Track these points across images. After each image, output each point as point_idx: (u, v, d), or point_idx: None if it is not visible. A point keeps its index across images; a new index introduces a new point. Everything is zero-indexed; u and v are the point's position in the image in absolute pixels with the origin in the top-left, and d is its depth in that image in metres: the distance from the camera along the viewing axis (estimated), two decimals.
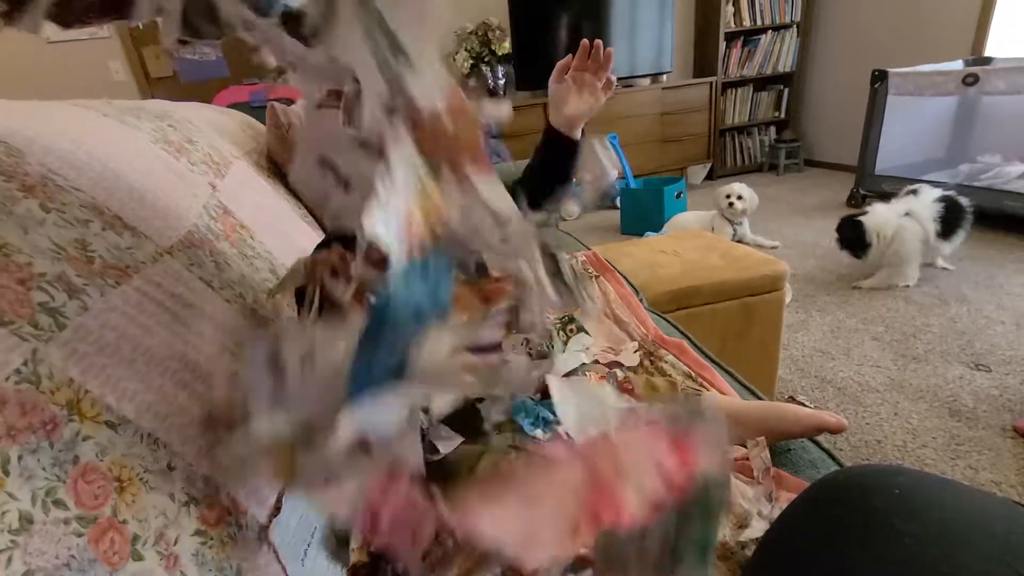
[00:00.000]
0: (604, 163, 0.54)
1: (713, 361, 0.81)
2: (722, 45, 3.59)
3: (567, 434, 0.45)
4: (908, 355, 1.61)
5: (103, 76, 2.98)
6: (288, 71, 0.39)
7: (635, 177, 3.26)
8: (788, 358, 1.65)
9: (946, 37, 2.99)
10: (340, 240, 0.58)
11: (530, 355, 0.55)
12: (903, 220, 1.94)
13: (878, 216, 1.97)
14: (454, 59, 3.23)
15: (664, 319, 0.97)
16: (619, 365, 0.76)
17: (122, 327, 0.39)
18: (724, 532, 0.47)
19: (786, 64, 3.79)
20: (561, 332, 0.86)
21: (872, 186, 2.87)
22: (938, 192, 2.00)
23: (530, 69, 3.27)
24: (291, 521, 0.46)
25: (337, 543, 0.44)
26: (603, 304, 0.94)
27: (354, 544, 0.43)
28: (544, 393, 0.54)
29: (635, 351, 0.80)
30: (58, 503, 0.29)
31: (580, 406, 0.44)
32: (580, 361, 0.75)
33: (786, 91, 3.88)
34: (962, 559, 0.31)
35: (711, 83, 3.60)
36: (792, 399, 0.64)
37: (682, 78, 3.77)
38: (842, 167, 3.63)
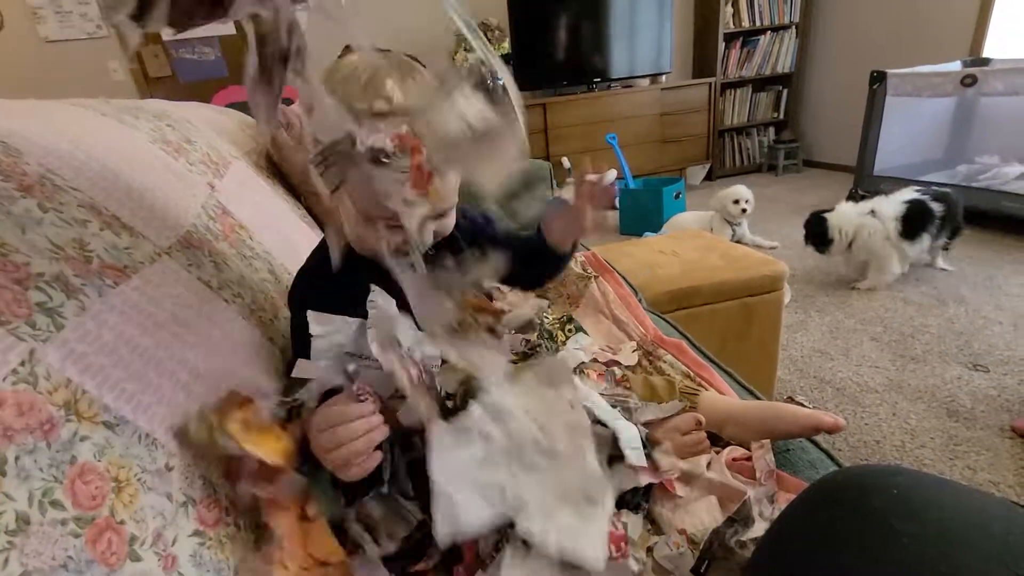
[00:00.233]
0: None
1: (712, 361, 0.80)
2: (721, 46, 3.60)
3: None
4: (906, 355, 1.61)
5: (102, 76, 2.98)
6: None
7: (634, 177, 3.26)
8: (787, 358, 1.65)
9: (945, 38, 3.00)
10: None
11: (527, 353, 0.55)
12: (864, 219, 1.99)
13: (842, 214, 2.03)
14: (453, 59, 3.23)
15: (663, 319, 0.97)
16: (617, 364, 0.76)
17: (120, 327, 0.39)
18: (725, 532, 0.47)
19: (785, 65, 3.80)
20: (560, 332, 0.86)
21: (871, 187, 2.87)
22: (910, 194, 2.02)
23: (529, 69, 3.28)
24: None
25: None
26: (602, 304, 0.94)
27: None
28: None
29: (633, 350, 0.80)
30: (55, 504, 0.28)
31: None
32: (578, 360, 0.75)
33: (785, 92, 3.89)
34: (960, 559, 0.31)
35: (710, 84, 3.60)
36: (791, 399, 0.64)
37: (681, 79, 3.77)
38: (841, 168, 3.64)
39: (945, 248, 2.11)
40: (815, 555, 0.36)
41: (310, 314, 0.49)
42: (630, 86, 3.52)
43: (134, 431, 0.35)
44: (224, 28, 3.07)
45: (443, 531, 0.39)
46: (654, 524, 0.49)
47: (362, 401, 0.43)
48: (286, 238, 0.85)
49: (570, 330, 0.87)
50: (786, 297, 1.38)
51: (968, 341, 1.64)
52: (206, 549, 0.36)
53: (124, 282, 0.42)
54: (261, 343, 0.56)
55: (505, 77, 0.46)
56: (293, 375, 0.48)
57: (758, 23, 3.62)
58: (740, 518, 0.47)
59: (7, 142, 0.44)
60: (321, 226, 1.14)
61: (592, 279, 0.97)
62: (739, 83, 3.80)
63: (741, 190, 2.50)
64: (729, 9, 3.54)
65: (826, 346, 1.71)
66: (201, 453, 0.39)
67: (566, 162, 3.33)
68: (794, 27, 3.69)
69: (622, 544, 0.44)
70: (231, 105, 1.31)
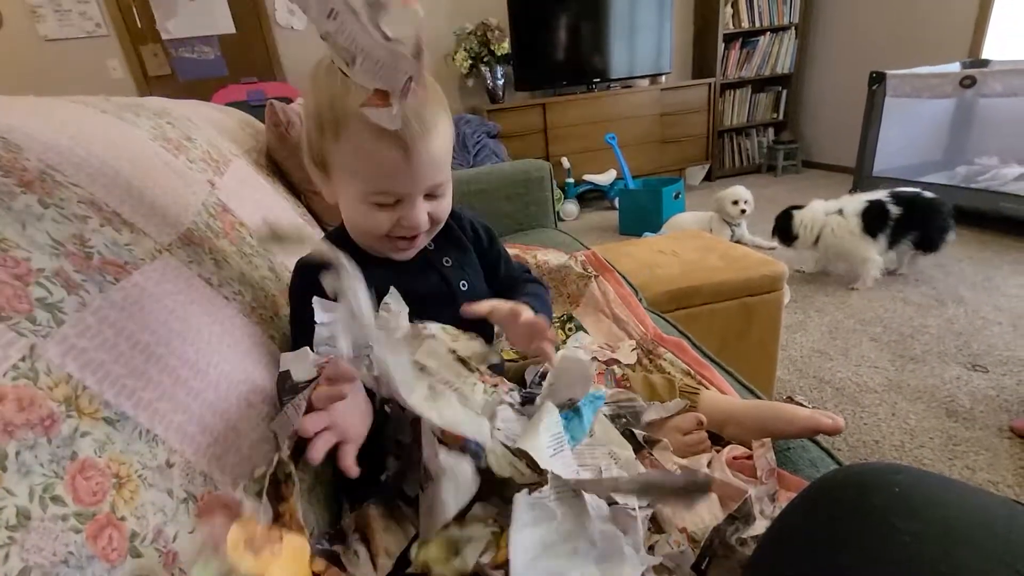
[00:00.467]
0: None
1: (712, 360, 0.81)
2: (721, 46, 3.60)
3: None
4: (906, 356, 1.61)
5: (101, 74, 2.98)
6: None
7: (634, 178, 3.26)
8: (786, 358, 1.65)
9: (944, 39, 3.00)
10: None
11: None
12: (829, 217, 2.06)
13: (809, 211, 2.11)
14: (453, 59, 3.23)
15: (663, 319, 0.97)
16: (616, 363, 0.76)
17: (120, 323, 0.39)
18: (725, 530, 0.47)
19: (784, 66, 3.80)
20: (560, 331, 0.86)
21: (870, 187, 2.86)
22: (875, 195, 2.05)
23: (529, 69, 3.28)
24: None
25: None
26: (602, 303, 0.94)
27: None
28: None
29: (632, 349, 0.80)
30: (56, 499, 0.28)
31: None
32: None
33: (784, 92, 3.89)
34: (962, 558, 0.31)
35: (710, 84, 3.60)
36: (790, 399, 0.64)
37: (681, 79, 3.77)
38: (840, 168, 3.64)
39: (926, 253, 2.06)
40: (816, 553, 0.36)
41: (315, 301, 0.49)
42: (630, 86, 3.52)
43: (135, 427, 0.35)
44: (224, 28, 3.07)
45: None
46: (655, 523, 0.49)
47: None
48: None
49: (570, 329, 0.87)
50: (786, 297, 1.38)
51: (967, 341, 1.64)
52: None
53: (125, 278, 0.42)
54: (261, 340, 0.56)
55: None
56: (282, 368, 0.48)
57: (758, 24, 3.63)
58: (741, 516, 0.47)
59: (7, 138, 0.44)
60: (321, 223, 1.14)
61: (592, 278, 0.97)
62: (739, 84, 3.80)
63: (740, 191, 2.51)
64: (729, 10, 3.55)
65: (825, 346, 1.71)
66: None
67: (565, 162, 3.34)
68: (793, 28, 3.69)
69: None
70: (230, 104, 1.30)
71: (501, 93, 3.37)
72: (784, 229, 2.18)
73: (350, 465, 0.39)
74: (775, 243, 2.32)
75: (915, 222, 1.98)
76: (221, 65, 3.14)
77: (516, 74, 3.26)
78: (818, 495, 0.40)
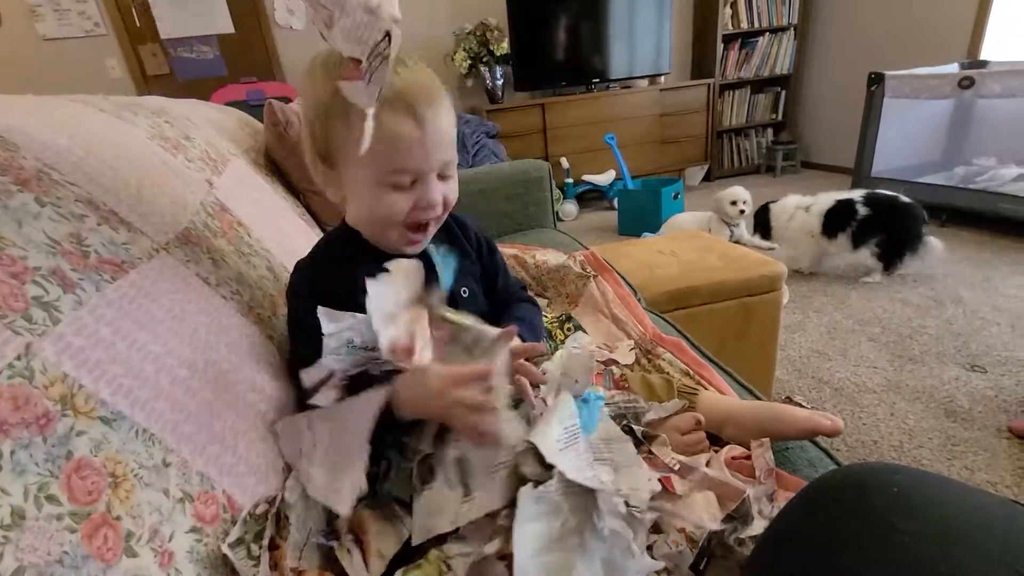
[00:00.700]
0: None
1: (711, 360, 0.80)
2: (720, 47, 3.61)
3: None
4: (904, 356, 1.61)
5: (100, 74, 2.97)
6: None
7: (633, 178, 3.26)
8: (785, 359, 1.65)
9: (942, 40, 3.01)
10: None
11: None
12: (798, 211, 2.18)
13: (782, 204, 2.24)
14: (452, 59, 3.23)
15: (662, 319, 0.97)
16: (615, 363, 0.76)
17: (117, 322, 0.38)
18: (724, 530, 0.46)
19: (783, 66, 3.81)
20: (558, 331, 0.86)
21: (869, 188, 2.88)
22: (847, 195, 2.11)
23: (529, 70, 3.28)
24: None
25: None
26: (601, 303, 0.94)
27: None
28: None
29: (630, 349, 0.80)
30: (51, 499, 0.28)
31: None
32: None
33: (783, 93, 3.90)
34: (961, 558, 0.31)
35: (709, 85, 3.61)
36: (789, 400, 0.64)
37: (680, 79, 3.78)
38: (839, 169, 3.64)
39: (891, 260, 2.05)
40: (814, 553, 0.36)
41: (321, 311, 0.49)
42: (629, 87, 3.53)
43: (131, 426, 0.35)
44: (223, 27, 3.06)
45: None
46: (653, 523, 0.48)
47: None
48: (285, 236, 0.85)
49: (569, 329, 0.87)
50: (784, 297, 1.38)
51: (966, 342, 1.64)
52: (203, 546, 0.36)
53: (121, 277, 0.41)
54: (258, 340, 0.56)
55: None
56: (307, 384, 0.48)
57: (757, 24, 3.63)
58: (739, 516, 0.47)
59: (4, 136, 0.44)
60: (320, 224, 1.14)
61: (591, 278, 0.97)
62: (738, 84, 3.81)
63: (739, 191, 2.51)
64: (728, 10, 3.55)
65: (824, 346, 1.71)
66: None
67: (564, 162, 3.34)
68: (792, 29, 3.70)
69: None
70: (229, 103, 1.30)
71: (500, 93, 3.37)
72: (764, 223, 2.29)
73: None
74: (774, 243, 2.33)
75: (883, 224, 2.01)
76: (220, 65, 3.14)
77: (515, 74, 3.26)
78: (817, 495, 0.40)
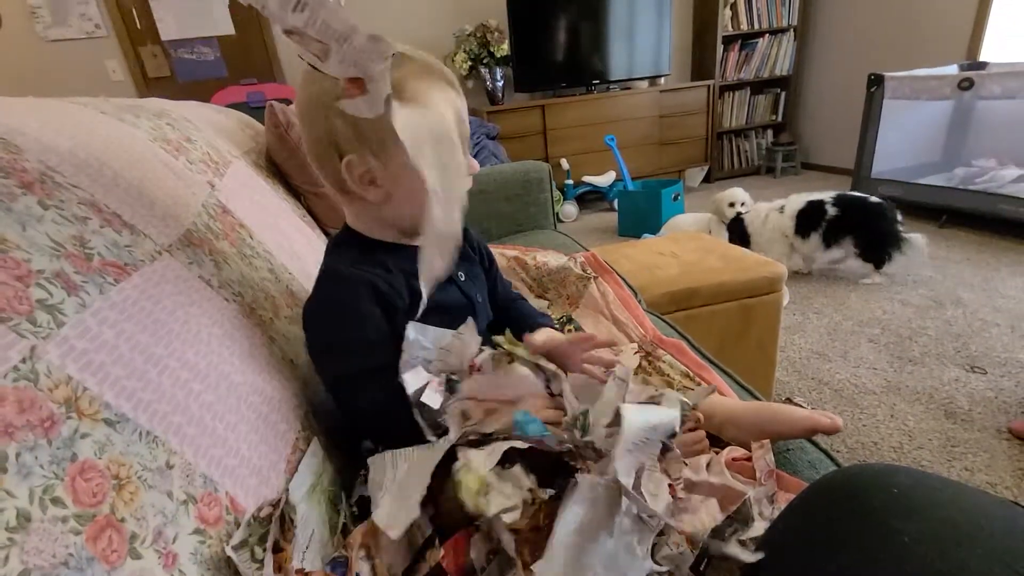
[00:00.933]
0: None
1: (711, 362, 0.81)
2: (720, 48, 3.61)
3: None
4: (904, 357, 1.61)
5: (100, 76, 2.98)
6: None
7: (633, 179, 3.27)
8: (785, 360, 1.66)
9: (942, 41, 3.01)
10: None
11: None
12: (772, 213, 2.22)
13: (754, 212, 2.28)
14: (453, 60, 3.24)
15: (662, 320, 0.97)
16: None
17: (120, 325, 0.39)
18: (724, 531, 0.47)
19: (783, 68, 3.81)
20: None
21: (868, 189, 2.88)
22: (820, 196, 2.15)
23: (529, 71, 3.28)
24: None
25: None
26: (602, 305, 0.94)
27: None
28: None
29: (635, 352, 0.80)
30: (56, 501, 0.28)
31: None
32: None
33: (783, 94, 3.90)
34: (961, 558, 0.31)
35: (709, 86, 3.61)
36: (789, 401, 0.64)
37: (680, 81, 3.78)
38: (839, 170, 3.65)
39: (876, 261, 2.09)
40: (814, 554, 0.36)
41: (412, 326, 0.51)
42: (629, 88, 3.53)
43: (135, 428, 0.35)
44: (223, 29, 3.07)
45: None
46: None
47: None
48: (286, 237, 0.85)
49: (569, 330, 0.87)
50: (784, 299, 1.38)
51: (965, 343, 1.64)
52: (206, 547, 0.36)
53: (124, 280, 0.42)
54: (261, 342, 0.56)
55: None
56: (411, 390, 0.50)
57: (756, 26, 3.64)
58: (740, 517, 0.47)
59: (7, 139, 0.44)
60: (321, 225, 1.14)
61: (592, 280, 0.97)
62: (737, 85, 3.81)
63: (737, 193, 2.52)
64: (728, 12, 3.55)
65: (824, 348, 1.71)
66: None
67: (564, 164, 3.34)
68: (792, 30, 3.70)
69: None
70: (230, 105, 1.31)
71: (500, 94, 3.38)
72: (740, 233, 2.29)
73: None
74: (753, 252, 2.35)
75: (853, 224, 2.06)
76: (221, 66, 3.15)
77: (515, 75, 3.27)
78: (816, 497, 0.40)
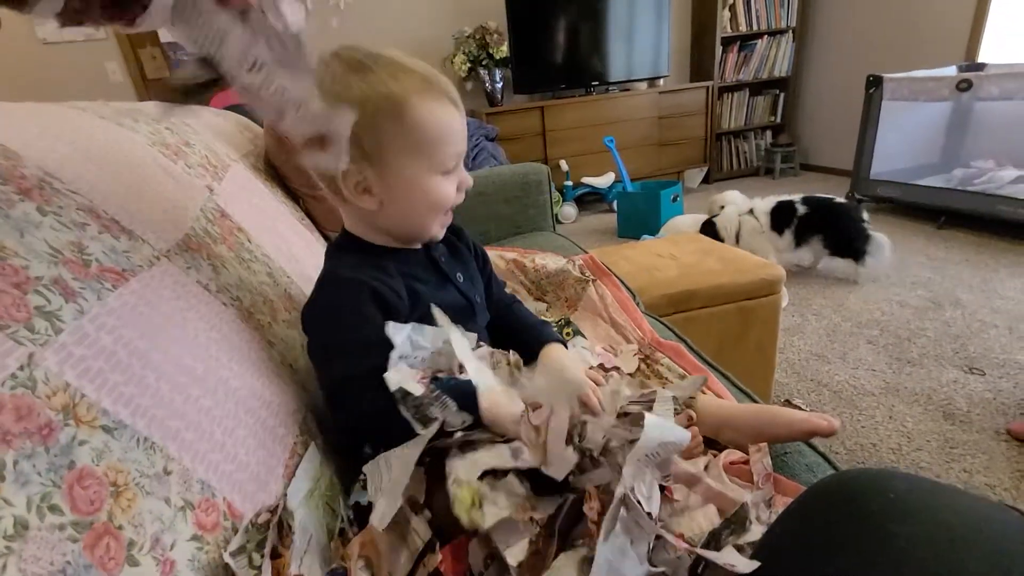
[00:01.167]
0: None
1: (710, 364, 0.81)
2: (719, 50, 3.62)
3: None
4: (903, 359, 1.62)
5: (100, 77, 2.98)
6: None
7: (632, 181, 3.27)
8: (784, 361, 1.66)
9: (940, 43, 3.02)
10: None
11: None
12: (743, 217, 2.27)
13: (725, 217, 2.32)
14: (452, 62, 3.24)
15: (661, 322, 0.98)
16: (617, 370, 0.76)
17: (119, 331, 0.39)
18: (721, 534, 0.47)
19: (782, 69, 3.82)
20: None
21: (867, 190, 2.89)
22: (787, 197, 2.22)
23: (528, 72, 3.29)
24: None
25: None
26: (600, 308, 0.94)
27: None
28: None
29: (634, 355, 0.80)
30: (54, 508, 0.28)
31: None
32: (586, 361, 0.75)
33: (782, 96, 3.91)
34: (957, 563, 0.31)
35: (708, 87, 3.62)
36: (788, 402, 0.65)
37: (679, 82, 3.79)
38: (838, 171, 3.65)
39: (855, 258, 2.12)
40: (812, 558, 0.36)
41: (390, 326, 0.51)
42: (628, 89, 3.53)
43: (132, 435, 0.35)
44: None
45: None
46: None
47: None
48: (284, 240, 0.85)
49: (568, 334, 0.87)
50: (783, 300, 1.38)
51: (964, 344, 1.64)
52: (204, 554, 0.36)
53: (123, 285, 0.42)
54: (259, 346, 0.56)
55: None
56: (394, 388, 0.49)
57: (755, 27, 3.64)
58: (736, 520, 0.47)
59: (6, 145, 0.44)
60: (320, 228, 1.14)
61: (590, 282, 0.97)
62: (736, 87, 3.82)
63: (728, 196, 2.53)
64: (726, 13, 3.56)
65: (823, 349, 1.71)
66: None
67: (564, 165, 3.34)
68: (791, 31, 3.71)
69: None
70: (229, 107, 1.31)
71: (500, 96, 3.38)
72: (713, 237, 2.33)
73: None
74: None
75: (821, 223, 2.12)
76: None
77: (515, 77, 3.27)
78: (814, 501, 0.40)
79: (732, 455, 0.59)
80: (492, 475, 0.44)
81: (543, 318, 0.88)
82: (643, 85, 3.58)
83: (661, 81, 3.62)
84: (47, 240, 0.38)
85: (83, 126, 0.58)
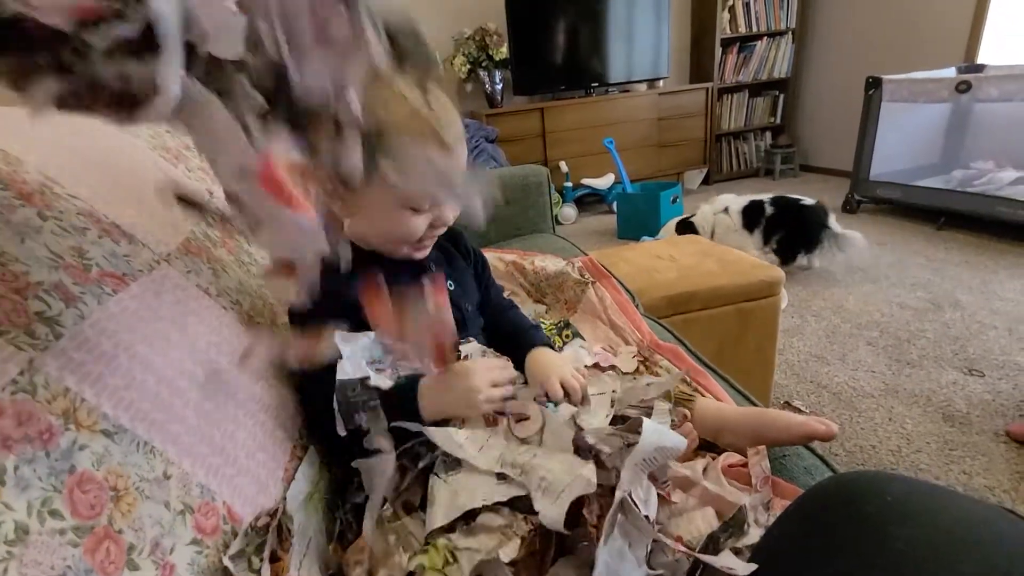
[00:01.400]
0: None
1: (708, 367, 0.81)
2: (718, 51, 3.62)
3: None
4: (902, 360, 1.62)
5: None
6: None
7: (632, 182, 3.27)
8: (784, 363, 1.66)
9: (939, 44, 3.02)
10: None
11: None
12: (718, 216, 2.35)
13: (701, 215, 2.40)
14: (452, 64, 3.24)
15: (660, 324, 0.98)
16: (615, 369, 0.76)
17: (118, 336, 0.39)
18: (719, 537, 0.47)
19: (781, 70, 3.82)
20: (557, 337, 0.87)
21: (867, 191, 2.89)
22: (757, 197, 2.31)
23: (528, 74, 3.29)
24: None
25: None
26: (600, 309, 0.94)
27: None
28: None
29: (632, 355, 0.80)
30: (54, 513, 0.29)
31: None
32: (583, 361, 0.75)
33: (781, 97, 3.91)
34: (955, 565, 0.31)
35: (707, 89, 3.62)
36: (788, 405, 0.65)
37: (678, 83, 3.79)
38: (837, 172, 3.65)
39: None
40: (810, 560, 0.36)
41: (337, 335, 0.51)
42: (627, 91, 3.54)
43: (132, 439, 0.35)
44: None
45: None
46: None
47: None
48: None
49: (567, 335, 0.87)
50: (783, 302, 1.38)
51: (964, 346, 1.64)
52: (203, 558, 0.36)
53: (123, 290, 0.42)
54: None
55: None
56: (346, 376, 0.50)
57: (755, 29, 3.64)
58: (735, 523, 0.47)
59: (6, 150, 0.44)
60: None
61: (589, 285, 0.98)
62: (736, 88, 3.82)
63: (721, 200, 2.53)
64: (726, 15, 3.56)
65: (822, 351, 1.71)
66: None
67: (563, 166, 3.34)
68: (791, 33, 3.71)
69: None
70: None
71: (499, 97, 3.38)
72: (691, 233, 2.41)
73: None
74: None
75: (786, 223, 2.22)
76: None
77: (514, 78, 3.27)
78: (812, 504, 0.41)
79: (730, 458, 0.59)
80: (465, 517, 0.44)
81: (541, 320, 0.88)
82: (643, 86, 3.58)
83: (661, 82, 3.62)
84: (47, 245, 0.39)
85: (85, 130, 0.58)
